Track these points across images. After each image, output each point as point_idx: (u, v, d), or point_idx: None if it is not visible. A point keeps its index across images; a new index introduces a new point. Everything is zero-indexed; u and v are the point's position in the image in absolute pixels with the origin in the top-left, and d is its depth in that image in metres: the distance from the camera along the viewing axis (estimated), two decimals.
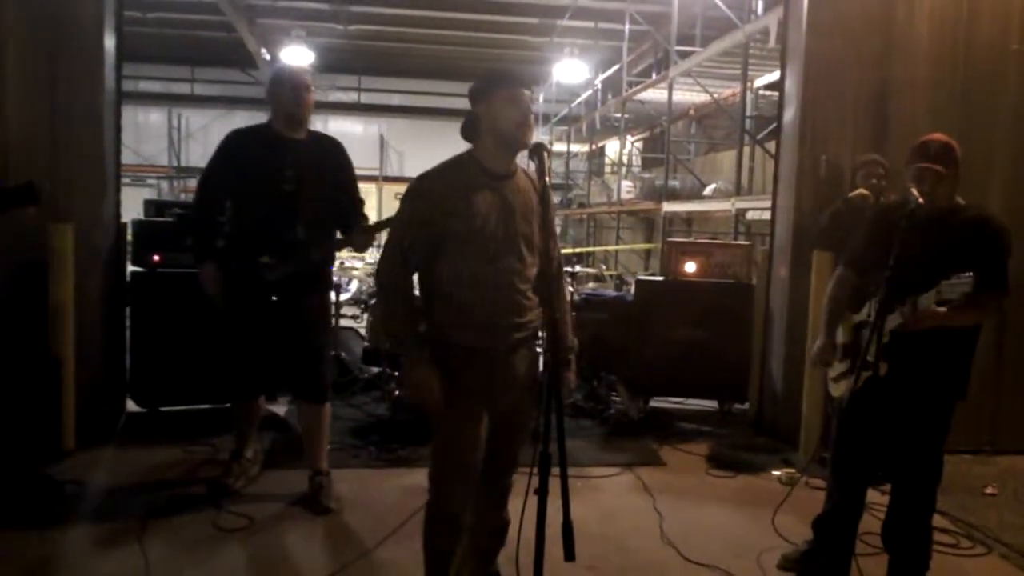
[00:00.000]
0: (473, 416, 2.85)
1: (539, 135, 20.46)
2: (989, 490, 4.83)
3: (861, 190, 4.95)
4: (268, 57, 17.94)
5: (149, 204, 6.21)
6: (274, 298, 4.20)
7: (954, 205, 3.30)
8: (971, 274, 2.95)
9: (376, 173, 22.47)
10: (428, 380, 2.76)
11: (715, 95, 13.00)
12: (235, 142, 4.28)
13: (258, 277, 4.12)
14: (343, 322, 7.51)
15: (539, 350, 2.98)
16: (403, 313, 2.84)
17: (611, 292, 8.12)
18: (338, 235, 4.34)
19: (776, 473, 5.00)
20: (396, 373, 5.83)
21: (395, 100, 22.41)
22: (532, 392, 2.98)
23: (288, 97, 4.18)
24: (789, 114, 5.85)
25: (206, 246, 4.24)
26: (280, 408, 5.65)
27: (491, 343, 2.82)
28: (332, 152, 4.35)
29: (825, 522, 3.61)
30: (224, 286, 4.21)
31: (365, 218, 4.35)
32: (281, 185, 4.11)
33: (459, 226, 2.75)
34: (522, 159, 2.85)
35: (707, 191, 13.26)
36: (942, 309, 3.05)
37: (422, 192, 2.82)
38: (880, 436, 3.37)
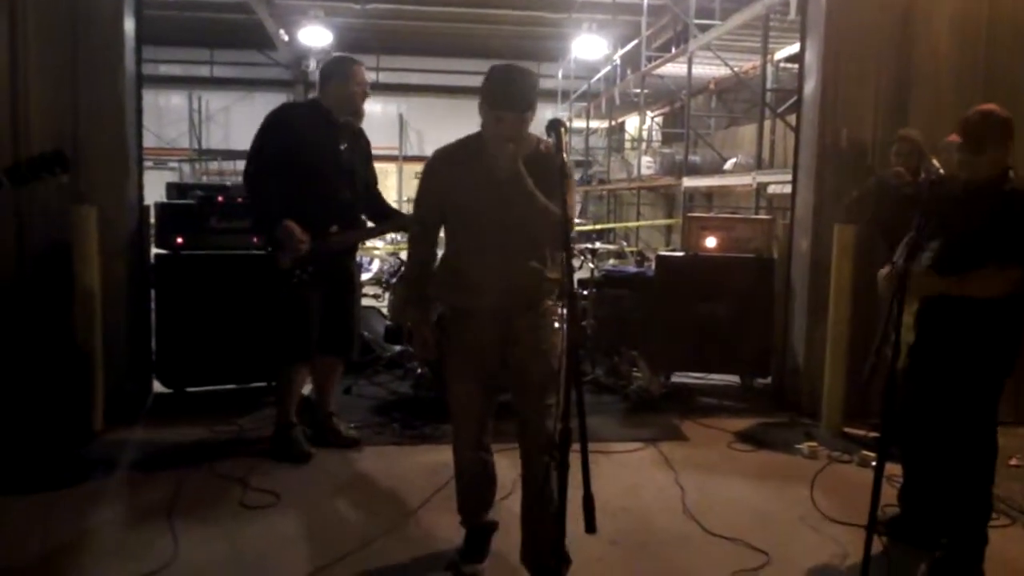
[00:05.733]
0: (465, 369, 3.24)
1: (558, 111, 20.43)
2: (1013, 461, 4.80)
3: (897, 168, 4.88)
4: (287, 38, 17.95)
5: (171, 187, 6.28)
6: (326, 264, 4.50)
7: (996, 178, 3.26)
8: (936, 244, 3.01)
9: (396, 153, 22.49)
10: (426, 337, 3.30)
11: (735, 68, 12.90)
12: (288, 116, 4.59)
13: (332, 243, 4.47)
14: (365, 301, 7.54)
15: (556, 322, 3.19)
16: (414, 278, 3.39)
17: (632, 268, 8.12)
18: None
19: (798, 447, 5.00)
20: (411, 347, 5.87)
21: (414, 79, 22.37)
22: (543, 354, 3.12)
23: (355, 95, 4.50)
24: (810, 86, 5.80)
25: (278, 206, 4.37)
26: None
27: (481, 305, 3.15)
28: (363, 137, 4.73)
29: (905, 493, 3.75)
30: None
31: (382, 198, 4.88)
32: (340, 162, 4.48)
33: (457, 200, 3.16)
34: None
35: (727, 165, 13.20)
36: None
37: (430, 169, 3.26)
38: (929, 407, 3.43)
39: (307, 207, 4.38)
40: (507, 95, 2.98)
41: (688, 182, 13.88)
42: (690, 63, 13.05)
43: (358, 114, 4.56)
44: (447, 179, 3.18)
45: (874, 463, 3.07)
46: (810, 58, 5.83)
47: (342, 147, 4.50)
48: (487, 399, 3.30)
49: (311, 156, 4.41)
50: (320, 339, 4.62)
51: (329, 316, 4.60)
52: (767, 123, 11.34)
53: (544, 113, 2.97)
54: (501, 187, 3.01)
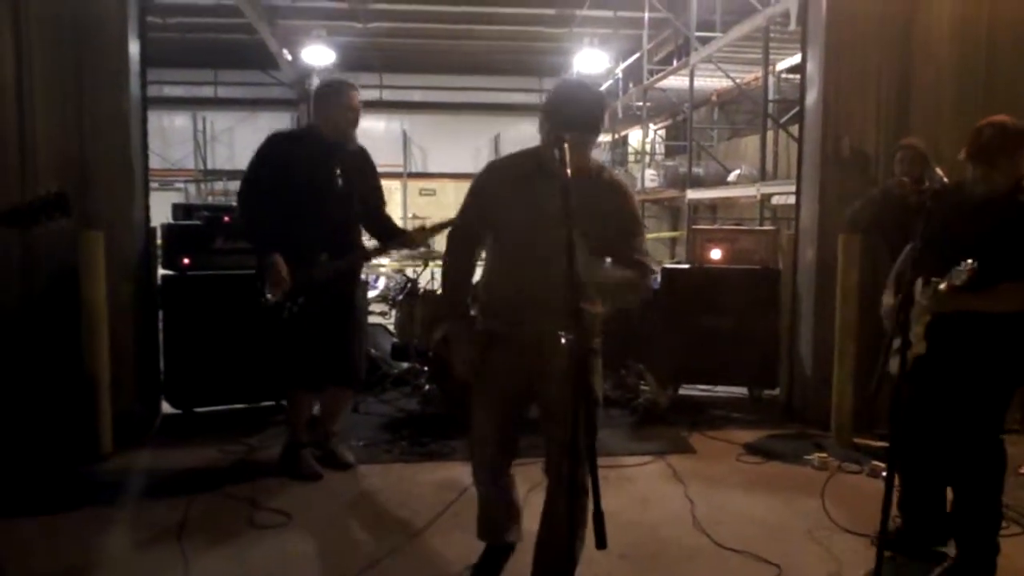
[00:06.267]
0: (490, 398, 3.07)
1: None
2: (1023, 470, 4.78)
3: (900, 178, 4.87)
4: (289, 58, 18.05)
5: (177, 208, 6.28)
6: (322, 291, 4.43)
7: (1011, 190, 3.25)
8: (971, 262, 2.94)
9: (400, 170, 22.54)
10: (467, 355, 3.05)
11: (737, 80, 12.94)
12: (281, 144, 4.50)
13: (320, 273, 4.38)
14: (371, 319, 7.55)
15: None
16: (453, 289, 3.17)
17: None
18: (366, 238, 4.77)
19: (808, 458, 4.98)
20: (425, 368, 5.87)
21: (416, 96, 22.44)
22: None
23: (344, 116, 4.44)
24: (811, 97, 5.81)
25: (270, 239, 4.36)
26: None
27: (513, 331, 2.96)
28: (364, 157, 4.66)
29: (906, 503, 3.68)
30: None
31: (389, 218, 4.83)
32: (334, 187, 4.42)
33: (501, 215, 2.95)
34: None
35: (731, 177, 13.22)
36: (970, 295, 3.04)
37: (481, 180, 3.06)
38: (934, 417, 3.40)
39: (296, 235, 4.34)
40: (571, 114, 2.76)
41: (692, 194, 13.90)
42: (692, 76, 13.09)
43: (346, 138, 4.49)
44: (499, 196, 2.97)
45: (884, 473, 3.06)
46: (811, 68, 5.84)
47: (337, 171, 4.44)
48: (512, 431, 3.14)
49: (302, 183, 4.35)
50: (325, 369, 4.58)
51: (330, 346, 4.52)
52: (770, 134, 11.36)
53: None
54: (553, 213, 2.56)
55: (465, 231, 3.14)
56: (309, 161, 4.39)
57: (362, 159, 4.64)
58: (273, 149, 4.46)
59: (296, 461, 4.62)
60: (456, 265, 3.16)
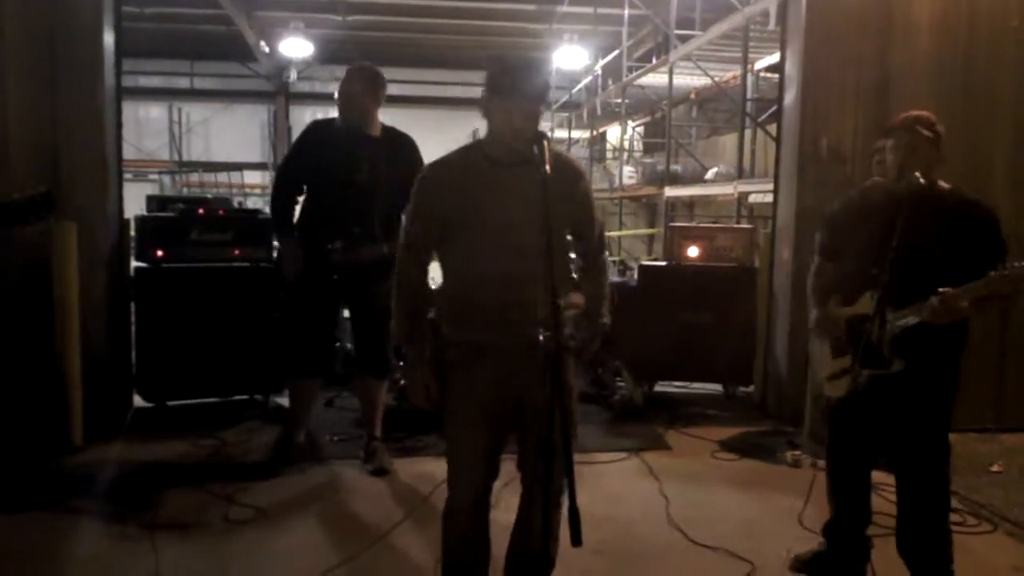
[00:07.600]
0: (475, 415, 2.77)
1: (540, 122, 20.22)
2: (995, 468, 4.83)
3: (876, 179, 4.87)
4: (267, 50, 17.90)
5: (151, 200, 6.24)
6: (341, 282, 4.53)
7: (940, 187, 3.22)
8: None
9: None
10: (424, 381, 2.80)
11: (716, 78, 12.98)
12: (314, 132, 4.65)
13: (326, 261, 4.45)
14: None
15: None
16: (407, 310, 2.83)
17: (614, 278, 8.13)
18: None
19: (782, 455, 5.00)
20: (401, 363, 5.84)
21: (394, 90, 21.99)
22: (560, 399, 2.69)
23: (350, 101, 4.51)
24: (790, 96, 5.83)
25: (287, 224, 4.58)
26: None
27: (497, 340, 2.70)
28: (399, 148, 4.61)
29: (834, 528, 3.53)
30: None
31: None
32: (355, 177, 4.42)
33: (462, 217, 2.70)
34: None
35: (709, 175, 13.26)
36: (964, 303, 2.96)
37: (426, 183, 2.79)
38: (881, 434, 3.30)
39: (314, 221, 4.52)
40: (526, 81, 2.60)
41: (670, 192, 13.94)
42: (671, 73, 13.10)
43: (363, 119, 4.51)
44: (452, 195, 2.70)
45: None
46: (790, 68, 5.87)
47: (362, 161, 4.42)
48: (499, 449, 2.83)
49: (325, 170, 4.44)
50: (359, 359, 4.80)
51: (356, 335, 4.75)
52: (748, 132, 11.40)
53: None
54: (521, 205, 2.48)
55: (417, 243, 2.83)
56: (335, 149, 4.46)
57: (396, 150, 4.56)
58: (307, 136, 4.64)
59: (280, 450, 4.70)
60: (410, 282, 2.83)
